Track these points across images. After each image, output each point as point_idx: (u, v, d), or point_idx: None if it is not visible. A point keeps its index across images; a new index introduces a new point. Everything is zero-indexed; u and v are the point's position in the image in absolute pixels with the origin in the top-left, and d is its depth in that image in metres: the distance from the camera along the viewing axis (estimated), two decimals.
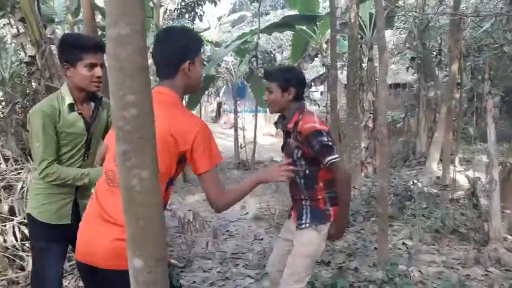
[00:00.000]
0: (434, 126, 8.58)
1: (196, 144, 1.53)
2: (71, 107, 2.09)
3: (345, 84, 9.07)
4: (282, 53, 16.56)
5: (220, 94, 22.26)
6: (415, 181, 5.87)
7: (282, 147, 2.48)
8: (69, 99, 2.08)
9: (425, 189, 5.77)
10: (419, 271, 3.59)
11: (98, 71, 2.06)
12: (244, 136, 10.96)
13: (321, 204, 2.30)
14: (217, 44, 10.09)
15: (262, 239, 4.63)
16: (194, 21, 9.76)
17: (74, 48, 2.03)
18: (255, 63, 8.28)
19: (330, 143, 2.19)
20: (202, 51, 1.78)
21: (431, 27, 8.87)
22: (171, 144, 1.52)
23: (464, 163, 8.30)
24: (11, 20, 5.33)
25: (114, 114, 0.97)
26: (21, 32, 4.43)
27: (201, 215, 4.43)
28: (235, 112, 11.21)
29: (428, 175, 7.44)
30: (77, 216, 2.13)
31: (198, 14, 9.71)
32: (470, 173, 5.67)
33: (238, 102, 11.68)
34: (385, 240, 3.53)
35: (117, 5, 0.96)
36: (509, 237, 4.15)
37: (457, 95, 7.92)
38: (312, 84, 10.22)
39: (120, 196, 1.48)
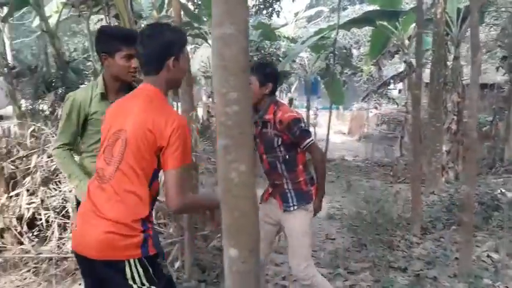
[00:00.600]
0: None
1: (172, 141, 1.54)
2: (102, 96, 2.16)
3: (426, 83, 8.60)
4: (359, 48, 16.11)
5: (292, 90, 22.20)
6: (503, 190, 5.42)
7: (254, 137, 2.58)
8: (100, 89, 2.16)
9: None
10: (506, 286, 3.32)
11: (134, 62, 2.10)
12: (315, 133, 10.85)
13: (303, 185, 2.54)
14: (293, 40, 10.07)
15: (334, 239, 4.57)
16: (271, 17, 9.84)
17: (113, 40, 2.09)
18: (332, 60, 8.12)
19: (307, 128, 2.52)
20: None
21: None
22: (150, 140, 1.54)
23: None
24: (106, 16, 5.79)
25: (217, 110, 1.01)
26: None
27: None
28: (308, 108, 11.13)
29: None
30: None
31: (276, 10, 9.77)
32: None
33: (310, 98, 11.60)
34: (470, 251, 3.32)
35: (222, 6, 1.00)
36: None
37: None
38: (391, 81, 9.82)
39: (107, 192, 1.58)
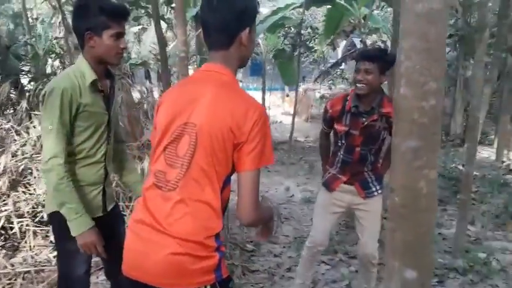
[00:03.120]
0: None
1: (252, 136, 1.25)
2: (94, 84, 1.79)
3: None
4: (307, 29, 16.04)
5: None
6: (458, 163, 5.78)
7: (347, 132, 2.42)
8: (91, 75, 1.77)
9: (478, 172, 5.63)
10: (496, 259, 3.48)
11: (123, 41, 1.80)
12: (268, 115, 10.71)
13: (380, 170, 2.54)
14: None
15: None
16: None
17: (100, 15, 1.72)
18: (298, 40, 7.94)
19: None
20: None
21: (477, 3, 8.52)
22: (228, 139, 1.25)
23: None
24: None
25: (408, 105, 0.82)
26: None
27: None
28: (264, 91, 10.97)
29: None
30: (104, 206, 1.91)
31: None
32: None
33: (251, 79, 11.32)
34: (465, 227, 3.43)
35: None
36: None
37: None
38: (343, 62, 9.95)
39: (172, 202, 1.27)
